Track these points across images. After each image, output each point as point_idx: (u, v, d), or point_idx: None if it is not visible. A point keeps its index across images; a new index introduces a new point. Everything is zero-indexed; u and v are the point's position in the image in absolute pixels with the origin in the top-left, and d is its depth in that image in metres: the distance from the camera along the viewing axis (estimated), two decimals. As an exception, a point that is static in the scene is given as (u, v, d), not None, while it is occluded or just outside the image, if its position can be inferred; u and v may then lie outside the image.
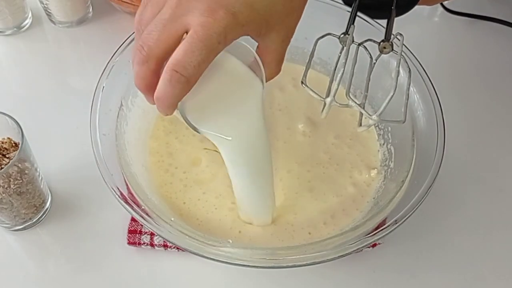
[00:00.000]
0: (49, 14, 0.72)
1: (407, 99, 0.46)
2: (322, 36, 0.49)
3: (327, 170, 0.55)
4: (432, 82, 0.53)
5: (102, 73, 0.52)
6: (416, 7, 0.53)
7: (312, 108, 0.59)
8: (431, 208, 0.56)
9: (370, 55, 0.49)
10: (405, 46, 0.55)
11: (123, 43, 0.54)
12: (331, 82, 0.46)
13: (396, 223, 0.44)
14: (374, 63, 0.49)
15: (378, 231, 0.44)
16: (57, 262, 0.53)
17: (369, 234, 0.44)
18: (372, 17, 0.56)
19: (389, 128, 0.57)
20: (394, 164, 0.54)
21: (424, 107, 0.52)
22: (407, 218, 0.44)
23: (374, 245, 0.53)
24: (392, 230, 0.44)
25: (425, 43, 0.72)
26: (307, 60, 0.47)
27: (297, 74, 0.54)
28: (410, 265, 0.54)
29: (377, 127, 0.58)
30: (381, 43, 0.47)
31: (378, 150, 0.57)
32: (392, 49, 0.48)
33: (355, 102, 0.43)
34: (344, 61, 0.44)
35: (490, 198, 0.59)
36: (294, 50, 0.61)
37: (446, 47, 0.74)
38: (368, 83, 0.47)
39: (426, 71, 0.54)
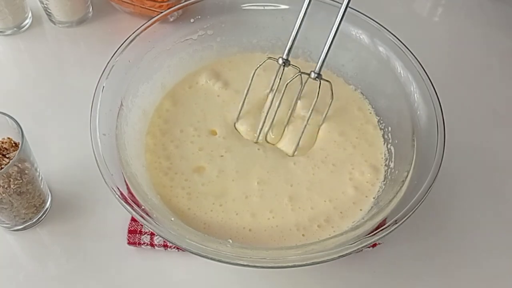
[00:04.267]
0: (49, 14, 0.72)
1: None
2: (262, 63, 0.55)
3: (324, 172, 0.55)
4: (432, 82, 0.53)
5: (102, 73, 0.52)
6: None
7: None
8: (431, 208, 0.56)
9: (302, 84, 0.56)
10: (405, 46, 0.55)
11: (123, 43, 0.54)
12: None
13: (396, 223, 0.44)
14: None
15: (378, 231, 0.44)
16: (57, 262, 0.53)
17: (369, 234, 0.44)
18: None
19: (389, 128, 0.57)
20: (394, 164, 0.54)
21: (424, 107, 0.52)
22: (407, 218, 0.44)
23: (374, 245, 0.53)
24: (392, 230, 0.44)
25: (425, 43, 0.72)
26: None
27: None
28: (410, 265, 0.54)
29: (378, 127, 0.58)
30: (311, 73, 0.53)
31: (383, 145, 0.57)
32: (321, 79, 0.53)
33: (269, 144, 0.56)
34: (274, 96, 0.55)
35: (490, 198, 0.59)
36: (295, 51, 0.60)
37: (445, 46, 0.74)
38: (289, 119, 0.56)
39: (426, 71, 0.54)
